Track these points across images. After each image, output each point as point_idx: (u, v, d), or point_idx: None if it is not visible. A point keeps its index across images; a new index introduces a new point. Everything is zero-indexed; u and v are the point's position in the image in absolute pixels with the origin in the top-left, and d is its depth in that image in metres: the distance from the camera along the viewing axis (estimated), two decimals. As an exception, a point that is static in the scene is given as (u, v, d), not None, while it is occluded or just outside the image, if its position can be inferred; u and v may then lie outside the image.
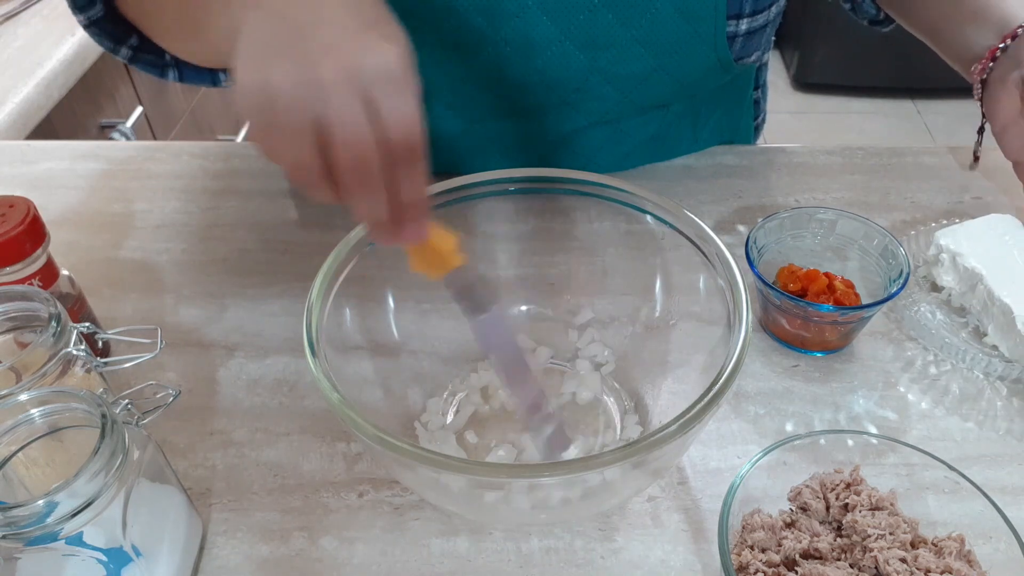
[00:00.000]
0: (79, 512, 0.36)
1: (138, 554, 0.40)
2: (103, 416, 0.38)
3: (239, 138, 1.85)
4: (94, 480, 0.37)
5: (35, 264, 0.52)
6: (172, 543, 0.44)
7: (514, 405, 0.51)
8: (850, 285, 0.58)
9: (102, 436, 0.37)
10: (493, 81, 0.63)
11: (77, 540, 0.37)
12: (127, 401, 0.42)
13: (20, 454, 0.40)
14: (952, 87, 2.51)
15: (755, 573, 0.41)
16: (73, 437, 0.41)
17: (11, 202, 0.51)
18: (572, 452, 0.49)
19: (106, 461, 0.37)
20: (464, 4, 0.58)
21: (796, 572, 0.41)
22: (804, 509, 0.45)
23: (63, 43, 1.12)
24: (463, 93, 0.64)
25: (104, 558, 0.39)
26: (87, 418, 0.39)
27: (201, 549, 0.48)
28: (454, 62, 0.61)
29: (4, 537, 0.36)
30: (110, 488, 0.38)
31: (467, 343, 0.57)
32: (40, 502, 0.35)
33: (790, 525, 0.44)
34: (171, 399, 0.43)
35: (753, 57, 0.68)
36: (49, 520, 0.36)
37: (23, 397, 0.39)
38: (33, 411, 0.39)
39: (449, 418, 0.54)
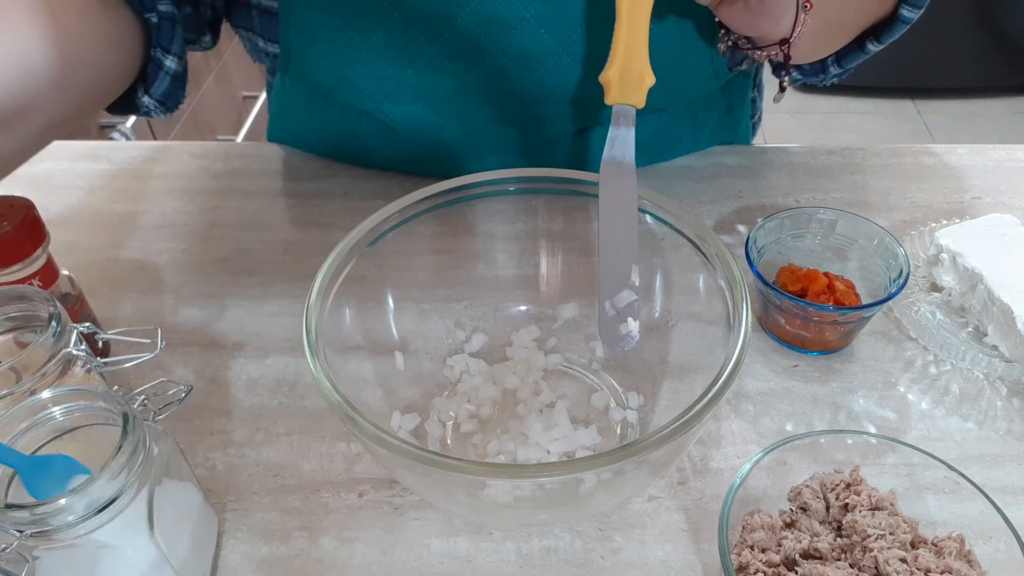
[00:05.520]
0: (103, 509, 0.36)
1: (163, 550, 0.41)
2: (124, 413, 0.38)
3: (239, 138, 1.86)
4: (117, 477, 0.37)
5: (35, 264, 0.52)
6: (193, 538, 0.44)
7: (599, 271, 0.50)
8: (850, 285, 0.58)
9: (124, 433, 0.37)
10: (491, 91, 0.63)
11: (101, 537, 0.38)
12: (143, 397, 0.42)
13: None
14: (952, 87, 2.51)
15: (755, 573, 0.41)
16: (80, 434, 0.41)
17: (11, 202, 0.51)
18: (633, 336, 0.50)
19: (128, 457, 0.37)
20: (463, 16, 0.58)
21: (796, 572, 0.41)
22: (804, 509, 0.45)
23: (63, 43, 1.12)
24: (462, 102, 0.64)
25: (130, 555, 0.39)
26: (104, 416, 0.40)
27: (218, 545, 0.48)
28: (453, 72, 0.61)
29: (31, 535, 0.36)
30: (132, 485, 0.38)
31: (466, 343, 0.58)
32: (63, 500, 0.35)
33: (790, 525, 0.44)
34: (184, 395, 0.43)
35: (745, 64, 0.68)
36: (72, 518, 0.36)
37: (45, 395, 0.39)
38: (53, 409, 0.39)
39: (449, 418, 0.54)
